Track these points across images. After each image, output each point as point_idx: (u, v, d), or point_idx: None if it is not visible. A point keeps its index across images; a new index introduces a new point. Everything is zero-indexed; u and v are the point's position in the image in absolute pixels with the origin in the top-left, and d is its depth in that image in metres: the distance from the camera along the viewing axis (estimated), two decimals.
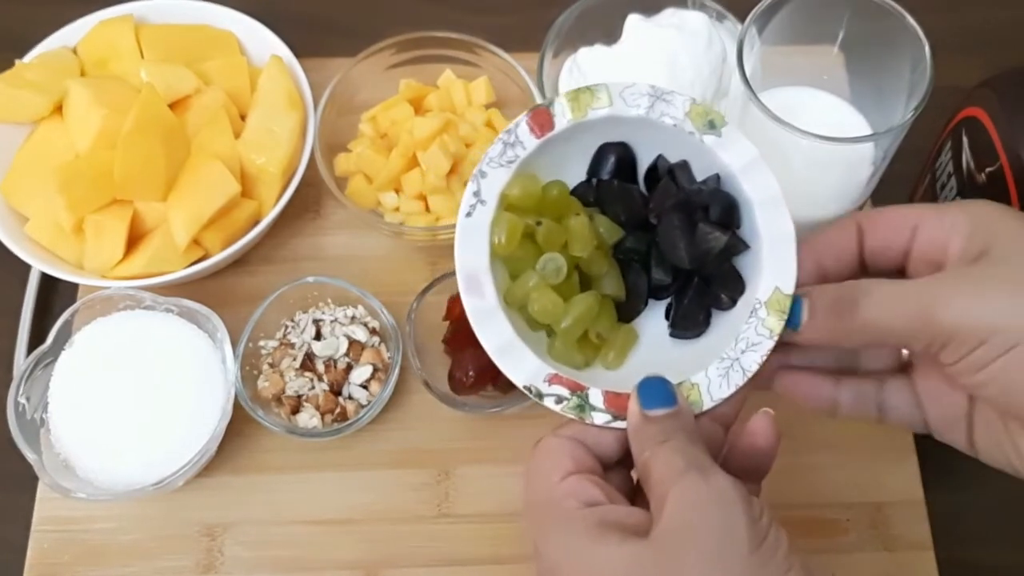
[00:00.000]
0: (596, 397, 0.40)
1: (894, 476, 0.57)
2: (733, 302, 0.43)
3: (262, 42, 0.66)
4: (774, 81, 0.55)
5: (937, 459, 0.58)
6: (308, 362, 0.59)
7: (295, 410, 0.58)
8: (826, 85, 0.56)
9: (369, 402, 0.58)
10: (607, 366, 0.44)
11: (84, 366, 0.56)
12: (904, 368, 0.43)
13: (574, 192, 0.45)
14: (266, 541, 0.56)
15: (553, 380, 0.40)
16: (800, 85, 0.56)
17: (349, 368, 0.59)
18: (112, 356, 0.56)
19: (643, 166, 0.46)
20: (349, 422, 0.56)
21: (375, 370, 0.59)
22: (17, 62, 0.63)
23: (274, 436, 0.58)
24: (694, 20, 0.63)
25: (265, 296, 0.59)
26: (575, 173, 0.45)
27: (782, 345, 0.41)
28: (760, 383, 0.42)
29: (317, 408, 0.57)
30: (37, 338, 0.61)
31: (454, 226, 0.60)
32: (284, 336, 0.60)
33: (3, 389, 0.54)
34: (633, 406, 0.39)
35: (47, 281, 0.64)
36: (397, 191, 0.64)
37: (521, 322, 0.43)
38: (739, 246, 0.43)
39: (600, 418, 0.40)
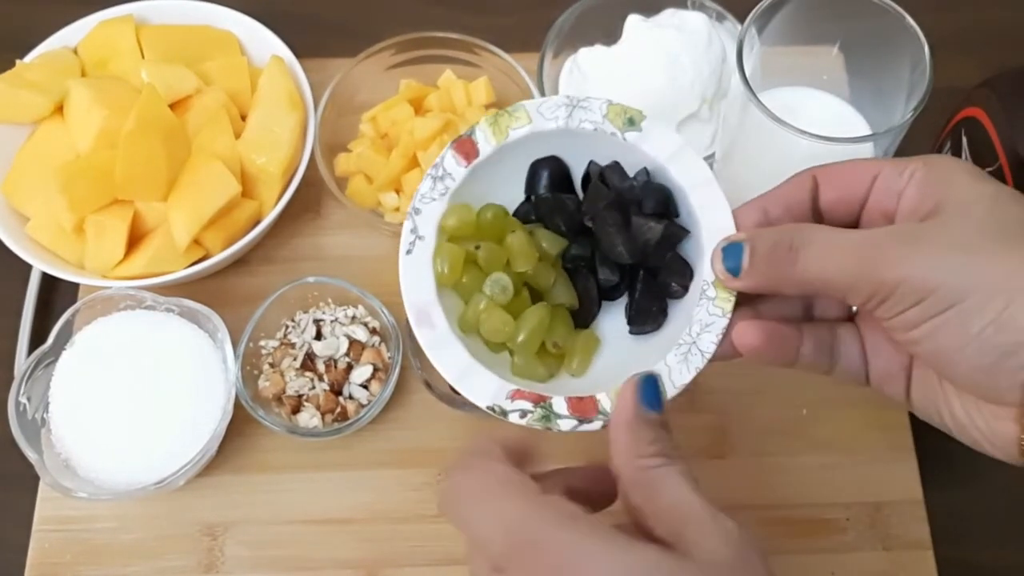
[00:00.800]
0: (560, 405, 0.40)
1: (893, 476, 0.58)
2: (685, 289, 0.43)
3: (262, 42, 0.66)
4: (774, 81, 0.55)
5: (937, 459, 0.58)
6: (309, 362, 0.59)
7: (296, 410, 0.58)
8: (826, 85, 0.56)
9: (369, 402, 0.58)
10: (572, 374, 0.44)
11: (85, 366, 0.56)
12: (852, 318, 0.42)
13: (516, 213, 0.46)
14: (267, 541, 0.56)
15: (515, 396, 0.41)
16: (800, 85, 0.56)
17: (349, 368, 0.59)
18: (113, 356, 0.56)
19: (578, 174, 0.46)
20: (349, 422, 0.57)
21: (375, 370, 0.59)
22: (18, 62, 0.63)
23: (275, 436, 0.58)
24: (694, 20, 0.63)
25: (266, 296, 0.59)
26: (511, 194, 0.46)
27: (741, 306, 0.41)
28: (724, 352, 0.41)
29: (318, 408, 0.57)
30: (38, 338, 0.61)
31: None
32: (285, 336, 0.60)
33: (4, 389, 0.54)
34: (629, 400, 0.37)
35: (48, 281, 0.65)
36: (397, 191, 0.64)
37: (481, 346, 0.43)
38: (679, 233, 0.43)
39: (567, 424, 0.40)
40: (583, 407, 0.40)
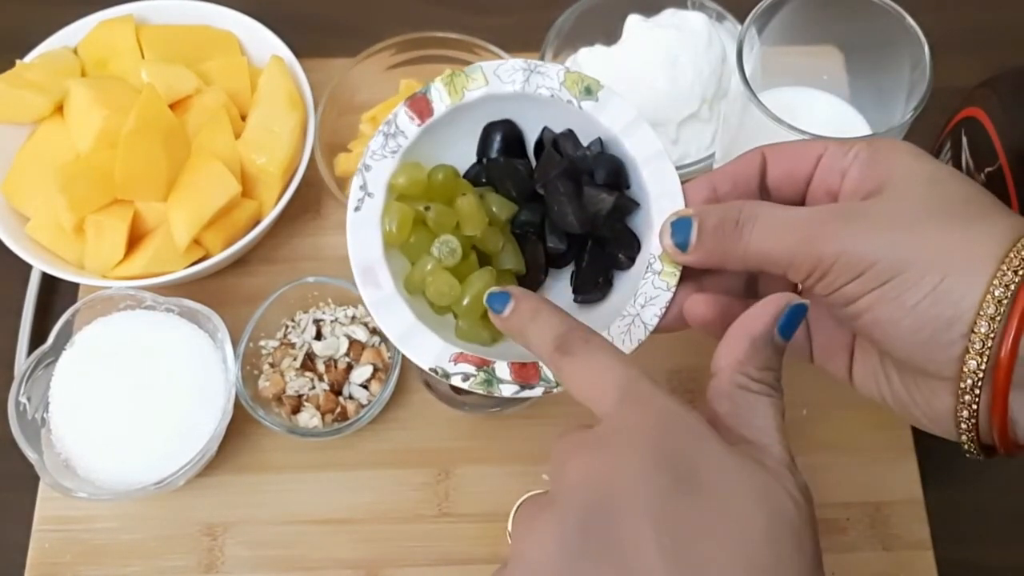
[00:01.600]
0: (503, 370, 0.40)
1: (894, 476, 0.58)
2: (631, 261, 0.44)
3: (262, 42, 0.66)
4: (774, 81, 0.55)
5: (937, 459, 0.58)
6: (309, 362, 0.59)
7: (296, 410, 0.58)
8: (826, 85, 0.56)
9: (369, 402, 0.58)
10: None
11: (85, 366, 0.56)
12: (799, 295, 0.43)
13: (467, 175, 0.45)
14: (267, 540, 0.56)
15: (458, 359, 0.41)
16: (800, 85, 0.56)
17: (349, 368, 0.59)
18: (113, 356, 0.56)
19: (531, 140, 0.46)
20: (349, 422, 0.57)
21: (375, 370, 0.59)
22: (18, 62, 0.63)
23: (275, 436, 0.58)
24: (694, 20, 0.63)
25: (265, 296, 0.59)
26: (463, 155, 0.46)
27: (685, 280, 0.42)
28: (672, 324, 0.42)
29: (318, 408, 0.57)
30: (38, 338, 0.61)
31: None
32: (285, 336, 0.60)
33: (4, 389, 0.54)
34: (769, 315, 0.36)
35: (48, 281, 0.64)
36: None
37: (427, 308, 0.43)
38: (629, 205, 0.43)
39: (508, 389, 0.40)
40: (525, 373, 0.40)
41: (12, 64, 0.63)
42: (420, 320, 0.41)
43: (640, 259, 0.43)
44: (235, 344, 0.57)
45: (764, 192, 0.41)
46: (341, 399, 0.58)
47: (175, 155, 0.59)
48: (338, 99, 0.65)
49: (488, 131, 0.45)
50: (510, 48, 0.66)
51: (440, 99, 0.44)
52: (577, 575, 0.30)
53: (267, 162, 0.61)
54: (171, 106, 0.61)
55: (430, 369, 0.41)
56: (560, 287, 0.46)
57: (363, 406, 0.58)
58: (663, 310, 0.41)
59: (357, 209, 0.42)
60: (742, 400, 0.35)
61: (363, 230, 0.42)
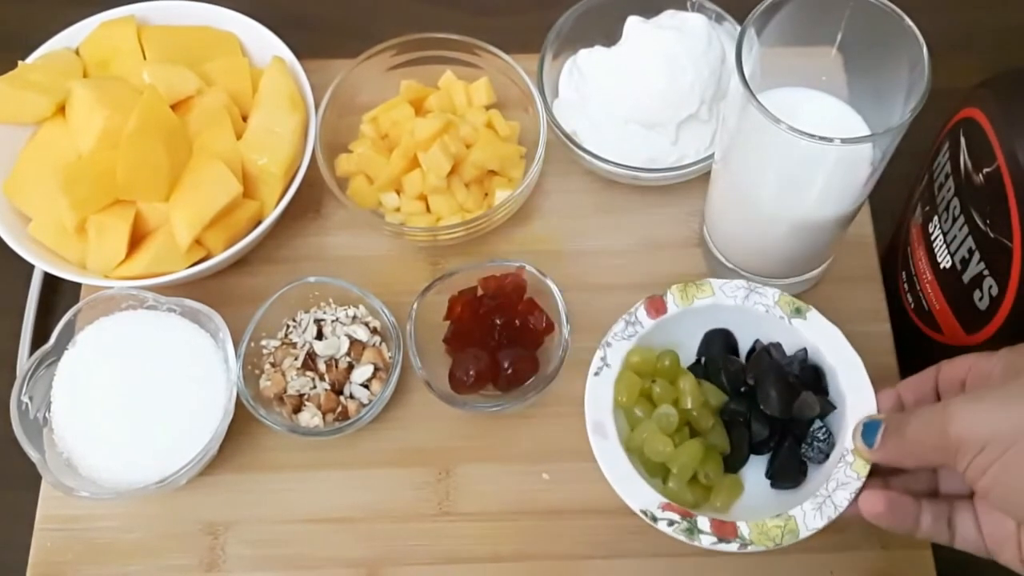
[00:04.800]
0: (704, 523, 0.48)
1: None
2: (826, 456, 0.50)
3: (264, 43, 0.66)
4: (773, 82, 0.55)
5: None
6: (310, 361, 0.59)
7: (297, 409, 0.58)
8: (825, 86, 0.56)
9: (370, 401, 0.58)
10: (715, 511, 0.51)
11: (87, 365, 0.56)
12: (972, 495, 0.47)
13: (689, 370, 0.54)
14: (268, 539, 0.56)
15: (666, 507, 0.48)
16: (799, 86, 0.56)
17: (350, 367, 0.59)
18: (115, 356, 0.56)
19: (743, 346, 0.55)
20: (350, 421, 0.57)
21: (376, 369, 0.59)
22: (20, 63, 0.63)
23: (276, 435, 0.58)
24: (693, 22, 0.63)
25: (267, 296, 0.59)
26: (685, 349, 0.54)
27: (874, 476, 0.48)
28: (852, 513, 0.47)
29: (319, 407, 0.58)
30: (40, 337, 0.61)
31: (454, 227, 0.61)
32: (286, 336, 0.60)
33: (6, 388, 0.55)
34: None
35: (50, 281, 0.65)
36: (398, 192, 0.64)
37: (640, 468, 0.50)
38: (827, 408, 0.51)
39: (707, 540, 0.47)
40: (724, 529, 0.47)
41: (14, 65, 0.63)
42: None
43: (835, 453, 0.50)
44: (236, 344, 0.57)
45: (938, 398, 0.47)
46: (342, 398, 0.58)
47: (177, 155, 0.59)
48: (339, 100, 0.65)
49: (709, 337, 0.55)
50: (510, 49, 0.66)
51: (673, 302, 0.53)
52: None
53: (268, 162, 0.61)
54: (173, 107, 0.61)
55: (640, 511, 0.48)
56: (758, 471, 0.53)
57: (364, 405, 0.58)
58: (853, 495, 0.47)
59: (596, 374, 0.51)
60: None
61: (598, 391, 0.51)
